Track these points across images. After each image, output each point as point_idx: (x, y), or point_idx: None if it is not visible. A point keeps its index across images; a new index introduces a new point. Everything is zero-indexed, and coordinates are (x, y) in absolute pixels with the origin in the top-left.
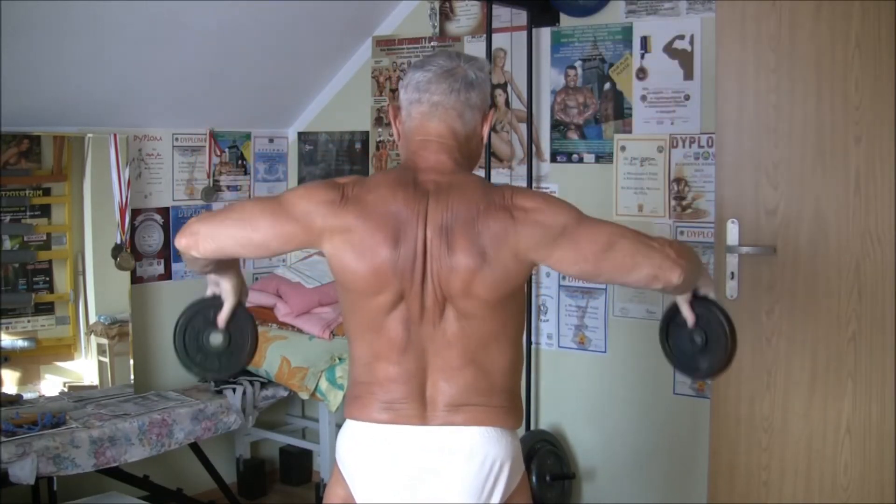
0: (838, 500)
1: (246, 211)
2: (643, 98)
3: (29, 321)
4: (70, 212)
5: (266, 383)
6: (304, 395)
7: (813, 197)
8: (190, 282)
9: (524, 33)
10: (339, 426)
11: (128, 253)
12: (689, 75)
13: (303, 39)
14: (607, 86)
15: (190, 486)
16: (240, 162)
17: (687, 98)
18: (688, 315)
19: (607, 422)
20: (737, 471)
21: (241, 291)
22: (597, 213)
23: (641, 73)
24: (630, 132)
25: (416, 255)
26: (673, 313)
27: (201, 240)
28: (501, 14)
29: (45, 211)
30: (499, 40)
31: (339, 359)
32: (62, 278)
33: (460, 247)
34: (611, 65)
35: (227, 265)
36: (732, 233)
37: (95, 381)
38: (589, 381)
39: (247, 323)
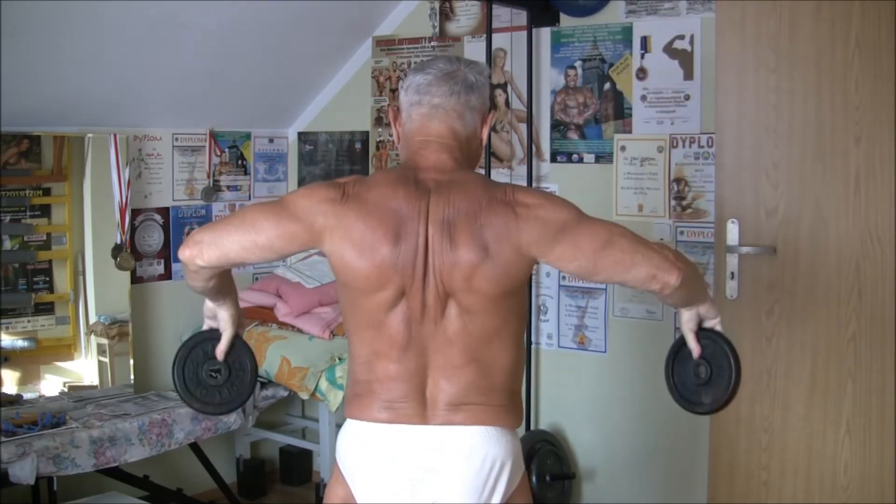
0: (838, 500)
1: (248, 215)
2: (643, 98)
3: (29, 321)
4: (70, 212)
5: (266, 383)
6: (304, 395)
7: (813, 197)
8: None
9: (524, 33)
10: (339, 426)
11: (128, 253)
12: (689, 75)
13: (303, 39)
14: (607, 86)
15: (190, 486)
16: (240, 162)
17: (687, 98)
18: (693, 346)
19: (607, 422)
20: (737, 471)
21: (239, 323)
22: (597, 213)
23: (641, 73)
24: (630, 132)
25: (418, 251)
26: (679, 346)
27: (205, 248)
28: (501, 14)
29: (45, 211)
30: (499, 40)
31: (339, 359)
32: (62, 278)
33: (462, 241)
34: (611, 65)
35: (226, 290)
36: (732, 233)
37: (95, 381)
38: (589, 381)
39: (245, 355)
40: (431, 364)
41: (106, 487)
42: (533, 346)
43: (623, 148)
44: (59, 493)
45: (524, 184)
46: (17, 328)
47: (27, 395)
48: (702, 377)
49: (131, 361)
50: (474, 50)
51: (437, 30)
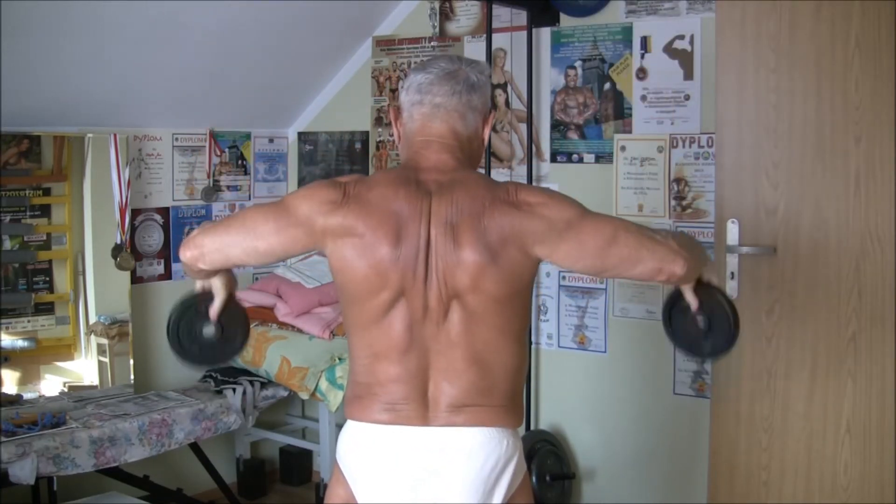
0: (838, 500)
1: (248, 219)
2: (643, 98)
3: (29, 321)
4: (70, 212)
5: (266, 383)
6: (304, 395)
7: (813, 197)
8: (190, 282)
9: (524, 33)
10: (339, 426)
11: (128, 253)
12: (689, 75)
13: (303, 39)
14: (607, 86)
15: (190, 486)
16: (240, 162)
17: (687, 98)
18: (691, 300)
19: (607, 422)
20: (737, 471)
21: (231, 285)
22: None
23: (641, 73)
24: (630, 132)
25: (419, 252)
26: (676, 298)
27: (207, 252)
28: (501, 14)
29: (45, 211)
30: (499, 40)
31: (339, 359)
32: (62, 278)
33: (467, 242)
34: (611, 65)
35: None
36: (732, 233)
37: (95, 381)
38: (589, 381)
39: (238, 313)
40: (433, 366)
41: (106, 487)
42: (533, 346)
43: (623, 148)
44: (59, 493)
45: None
46: (17, 328)
47: (27, 395)
48: (701, 328)
49: (131, 361)
50: (474, 50)
51: (437, 30)
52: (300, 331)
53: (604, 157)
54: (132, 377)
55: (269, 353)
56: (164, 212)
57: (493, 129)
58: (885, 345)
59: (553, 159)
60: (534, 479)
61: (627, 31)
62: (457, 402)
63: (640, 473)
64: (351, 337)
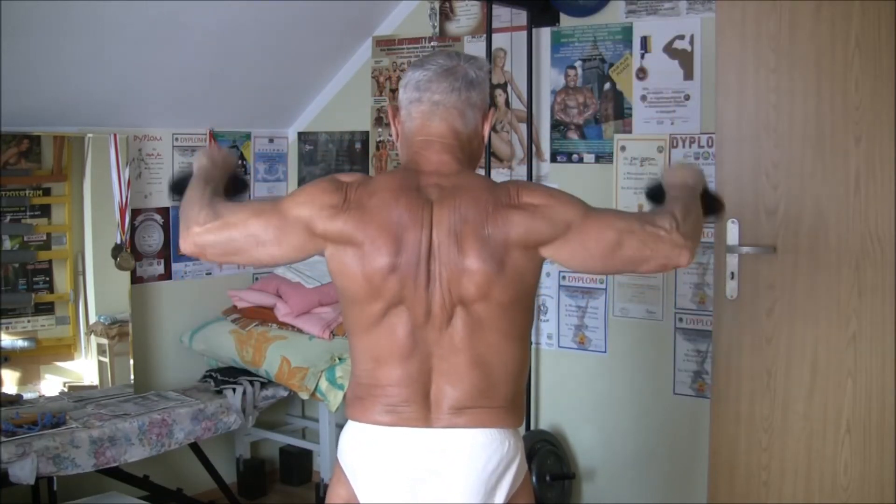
0: (838, 500)
1: (251, 227)
2: (643, 98)
3: (29, 321)
4: (70, 212)
5: (266, 383)
6: (304, 395)
7: (813, 197)
8: (190, 282)
9: (524, 33)
10: (339, 426)
11: (128, 253)
12: (689, 75)
13: (303, 39)
14: (607, 86)
15: (190, 486)
16: (240, 162)
17: (687, 98)
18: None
19: (607, 422)
20: (737, 471)
21: (231, 166)
22: None
23: (641, 73)
24: (630, 132)
25: (420, 260)
26: (656, 187)
27: (209, 251)
28: (501, 14)
29: (45, 211)
30: (499, 40)
31: (339, 359)
32: (62, 278)
33: (471, 250)
34: (611, 65)
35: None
36: (732, 233)
37: (95, 381)
38: (589, 381)
39: (239, 184)
40: (435, 369)
41: (106, 487)
42: (533, 346)
43: (623, 148)
44: (59, 493)
45: None
46: (17, 328)
47: (27, 395)
48: None
49: (131, 361)
50: (474, 50)
51: (437, 30)
52: (300, 331)
53: (604, 157)
54: (132, 377)
55: (269, 353)
56: (164, 212)
57: (493, 129)
58: (885, 345)
59: (553, 159)
60: (534, 479)
61: (627, 31)
62: (459, 404)
63: (640, 473)
64: (352, 338)
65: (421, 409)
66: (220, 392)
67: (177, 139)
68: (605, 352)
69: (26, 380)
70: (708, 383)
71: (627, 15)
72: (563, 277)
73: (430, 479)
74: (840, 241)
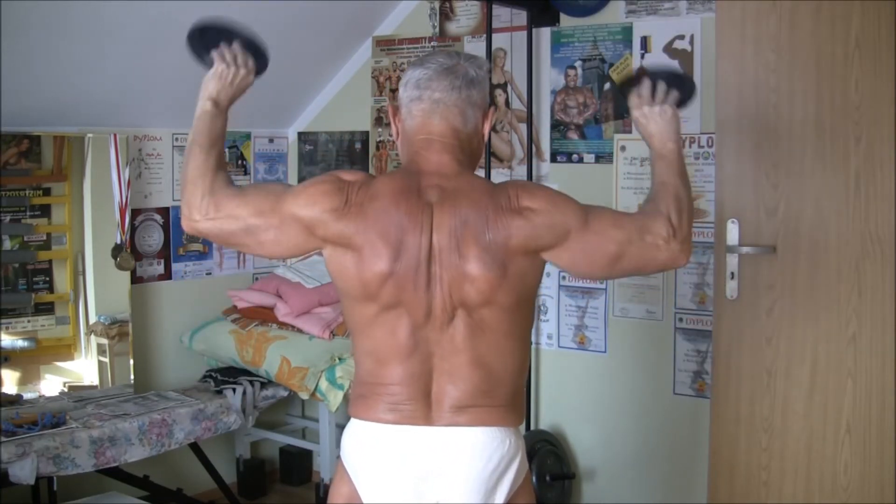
0: (838, 500)
1: (250, 225)
2: None
3: (29, 321)
4: (70, 212)
5: (266, 383)
6: (304, 395)
7: (813, 197)
8: (190, 282)
9: (524, 33)
10: (339, 426)
11: (128, 253)
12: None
13: (303, 39)
14: (607, 86)
15: (190, 486)
16: (240, 162)
17: None
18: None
19: (607, 422)
20: (737, 471)
21: (248, 84)
22: None
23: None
24: (630, 132)
25: (420, 264)
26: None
27: (209, 237)
28: (501, 14)
29: (45, 211)
30: (499, 40)
31: (339, 359)
32: (62, 278)
33: (473, 255)
34: (611, 65)
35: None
36: (732, 233)
37: (95, 381)
38: (589, 381)
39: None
40: (437, 369)
41: (106, 487)
42: (533, 346)
43: (623, 148)
44: (59, 493)
45: None
46: (17, 328)
47: (27, 395)
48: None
49: (131, 361)
50: (474, 50)
51: (437, 30)
52: (300, 331)
53: (604, 157)
54: (132, 377)
55: (269, 353)
56: (164, 212)
57: (493, 129)
58: (885, 345)
59: (553, 159)
60: (534, 479)
61: (627, 31)
62: (460, 403)
63: (640, 473)
64: (354, 337)
65: (422, 407)
66: (220, 392)
67: (177, 139)
68: (605, 352)
69: (26, 380)
70: (708, 383)
71: (627, 15)
72: (563, 277)
73: (432, 477)
74: (840, 241)
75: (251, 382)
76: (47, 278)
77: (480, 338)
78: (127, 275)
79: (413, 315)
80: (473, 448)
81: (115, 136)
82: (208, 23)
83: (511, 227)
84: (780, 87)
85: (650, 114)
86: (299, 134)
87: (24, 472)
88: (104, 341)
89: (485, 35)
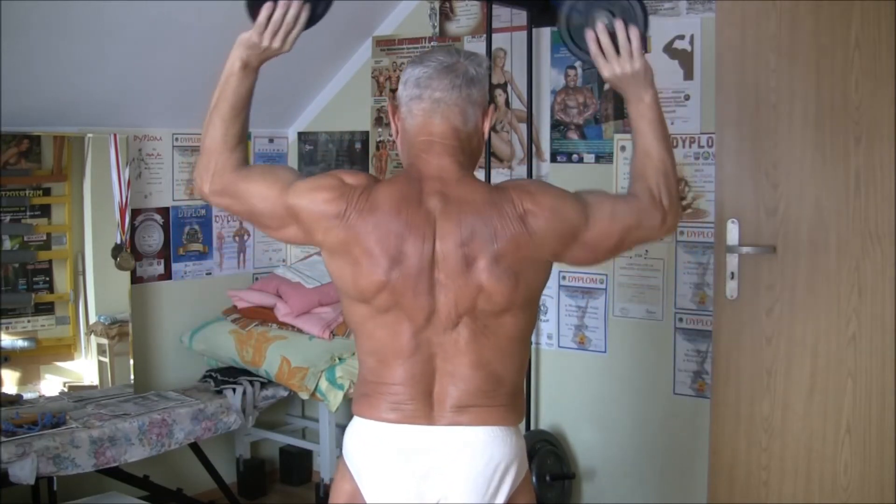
0: (838, 500)
1: (255, 210)
2: None
3: (29, 321)
4: (70, 212)
5: (266, 383)
6: (304, 395)
7: (813, 197)
8: (190, 282)
9: (524, 33)
10: (339, 426)
11: (128, 253)
12: (689, 75)
13: (303, 39)
14: (607, 86)
15: (190, 486)
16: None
17: (687, 98)
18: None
19: (607, 422)
20: (737, 471)
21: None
22: None
23: None
24: (630, 132)
25: (421, 271)
26: (567, 20)
27: (218, 204)
28: (501, 14)
29: (45, 211)
30: (499, 40)
31: (339, 359)
32: (62, 278)
33: (483, 268)
34: None
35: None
36: (732, 233)
37: (95, 381)
38: (589, 381)
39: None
40: (439, 370)
41: (106, 487)
42: (533, 346)
43: (623, 148)
44: (59, 493)
45: None
46: (17, 328)
47: (27, 395)
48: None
49: (131, 361)
50: (474, 50)
51: (437, 30)
52: (300, 331)
53: (604, 157)
54: (132, 377)
55: (269, 353)
56: (164, 212)
57: (493, 129)
58: (885, 345)
59: (553, 159)
60: (534, 479)
61: None
62: (461, 403)
63: (640, 473)
64: (356, 336)
65: (424, 406)
66: (220, 392)
67: (177, 139)
68: (605, 352)
69: (26, 380)
70: (708, 383)
71: None
72: (563, 277)
73: (434, 475)
74: (840, 241)
75: (251, 382)
76: (47, 278)
77: (484, 341)
78: (127, 275)
79: (413, 319)
80: (475, 447)
81: (115, 136)
82: None
83: (518, 236)
84: (780, 87)
85: (622, 76)
86: (299, 134)
87: (24, 472)
88: (104, 341)
89: (485, 35)
